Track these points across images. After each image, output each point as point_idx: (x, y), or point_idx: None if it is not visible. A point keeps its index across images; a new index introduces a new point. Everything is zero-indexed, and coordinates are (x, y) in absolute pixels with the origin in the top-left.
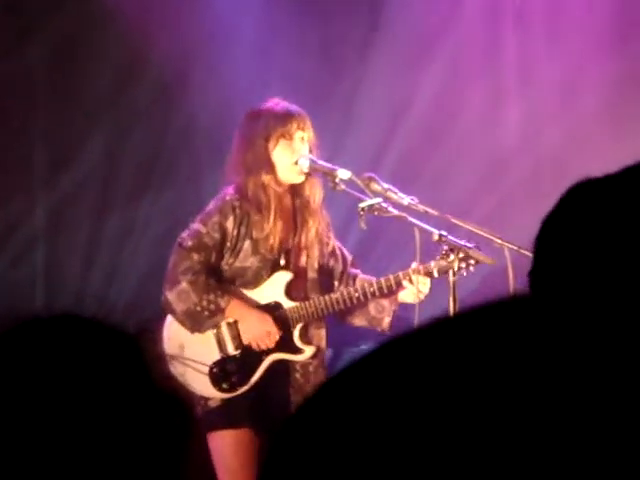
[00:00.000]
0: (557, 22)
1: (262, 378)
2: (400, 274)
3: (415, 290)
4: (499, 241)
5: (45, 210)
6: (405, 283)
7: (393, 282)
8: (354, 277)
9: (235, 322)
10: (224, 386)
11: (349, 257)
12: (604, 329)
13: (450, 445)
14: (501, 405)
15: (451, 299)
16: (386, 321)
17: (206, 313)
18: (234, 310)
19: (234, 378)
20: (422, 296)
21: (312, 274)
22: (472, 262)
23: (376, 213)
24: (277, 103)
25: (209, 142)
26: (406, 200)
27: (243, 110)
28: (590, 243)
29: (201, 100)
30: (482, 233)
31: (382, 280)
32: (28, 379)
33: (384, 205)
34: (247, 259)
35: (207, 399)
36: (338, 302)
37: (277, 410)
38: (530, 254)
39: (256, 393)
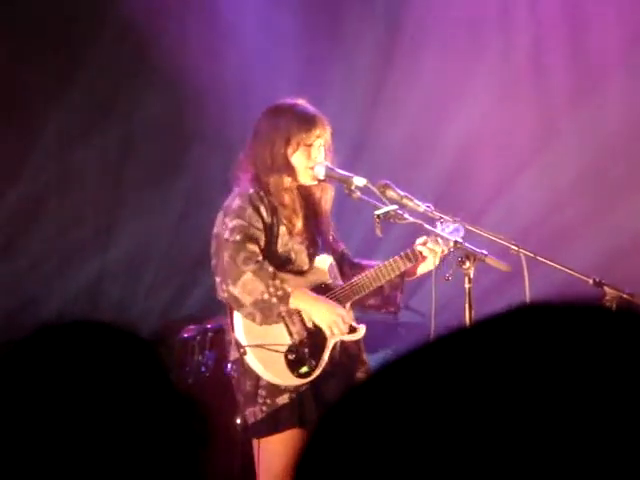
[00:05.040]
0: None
1: (329, 361)
2: (414, 246)
3: (433, 254)
4: (515, 247)
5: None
6: (422, 249)
7: (412, 255)
8: (359, 264)
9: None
10: (302, 371)
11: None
12: None
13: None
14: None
15: (467, 305)
16: (398, 297)
17: (274, 300)
18: (299, 297)
19: (309, 362)
20: (437, 260)
21: (333, 257)
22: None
23: (392, 220)
24: (298, 105)
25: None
26: (422, 207)
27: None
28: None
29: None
30: (498, 240)
31: (403, 254)
32: (45, 388)
33: (400, 212)
34: (288, 243)
35: (274, 398)
36: (375, 279)
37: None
38: (545, 260)
39: (317, 389)
